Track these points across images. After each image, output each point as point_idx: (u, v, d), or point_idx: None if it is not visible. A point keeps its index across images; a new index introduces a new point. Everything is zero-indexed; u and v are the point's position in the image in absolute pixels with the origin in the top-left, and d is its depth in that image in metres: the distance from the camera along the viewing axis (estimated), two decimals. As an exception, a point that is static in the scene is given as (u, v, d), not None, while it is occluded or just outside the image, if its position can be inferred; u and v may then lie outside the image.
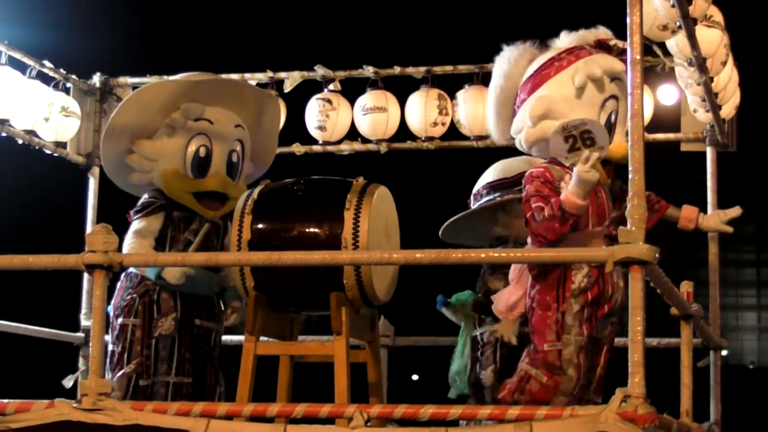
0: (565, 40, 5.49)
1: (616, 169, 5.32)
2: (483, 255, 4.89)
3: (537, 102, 5.29)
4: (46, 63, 7.32)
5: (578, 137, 4.90)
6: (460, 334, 6.14)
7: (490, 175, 6.06)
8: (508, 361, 5.77)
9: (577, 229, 5.08)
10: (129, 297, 5.84)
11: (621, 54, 5.27)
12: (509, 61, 5.47)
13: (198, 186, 5.89)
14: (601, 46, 5.42)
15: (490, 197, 5.94)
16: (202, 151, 5.91)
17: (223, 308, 6.06)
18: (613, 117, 5.33)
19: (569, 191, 4.95)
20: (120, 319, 5.82)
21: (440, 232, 6.22)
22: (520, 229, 5.63)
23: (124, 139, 5.89)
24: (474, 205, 6.05)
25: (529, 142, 5.35)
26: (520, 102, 5.40)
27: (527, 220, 5.07)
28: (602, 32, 5.50)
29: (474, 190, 6.11)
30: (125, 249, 5.72)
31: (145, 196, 5.93)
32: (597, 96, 5.29)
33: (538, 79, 5.36)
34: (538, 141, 5.30)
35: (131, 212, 5.92)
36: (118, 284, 5.89)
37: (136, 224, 5.84)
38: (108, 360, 5.76)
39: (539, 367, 5.08)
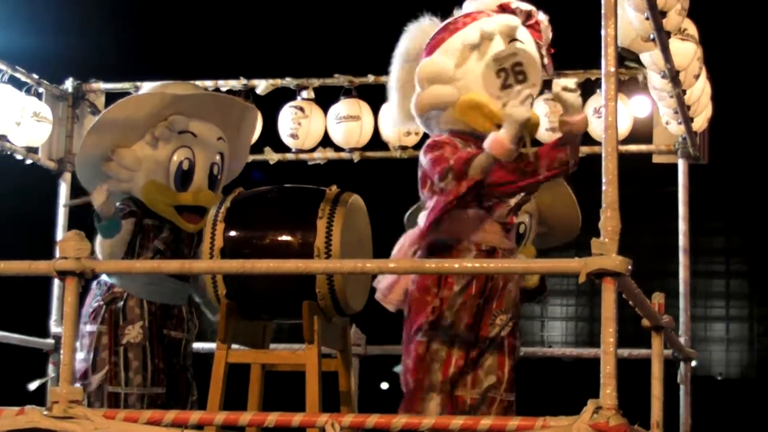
0: (467, 7, 5.10)
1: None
2: (457, 265, 4.88)
3: (426, 64, 4.91)
4: (18, 68, 7.29)
5: (510, 71, 4.69)
6: None
7: None
8: None
9: (482, 206, 4.85)
10: (96, 304, 5.81)
11: (526, 19, 4.99)
12: (410, 36, 5.15)
13: (180, 199, 5.84)
14: (504, 10, 5.00)
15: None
16: (186, 164, 5.86)
17: (194, 319, 6.04)
18: None
19: (497, 133, 4.57)
20: (87, 326, 5.79)
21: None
22: None
23: (106, 140, 5.80)
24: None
25: (421, 108, 4.96)
26: None
27: (433, 182, 4.77)
28: None
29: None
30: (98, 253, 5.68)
31: (116, 204, 5.86)
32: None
33: (434, 42, 4.99)
34: (431, 107, 4.93)
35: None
36: (90, 292, 5.86)
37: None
38: None
39: (408, 356, 4.88)
